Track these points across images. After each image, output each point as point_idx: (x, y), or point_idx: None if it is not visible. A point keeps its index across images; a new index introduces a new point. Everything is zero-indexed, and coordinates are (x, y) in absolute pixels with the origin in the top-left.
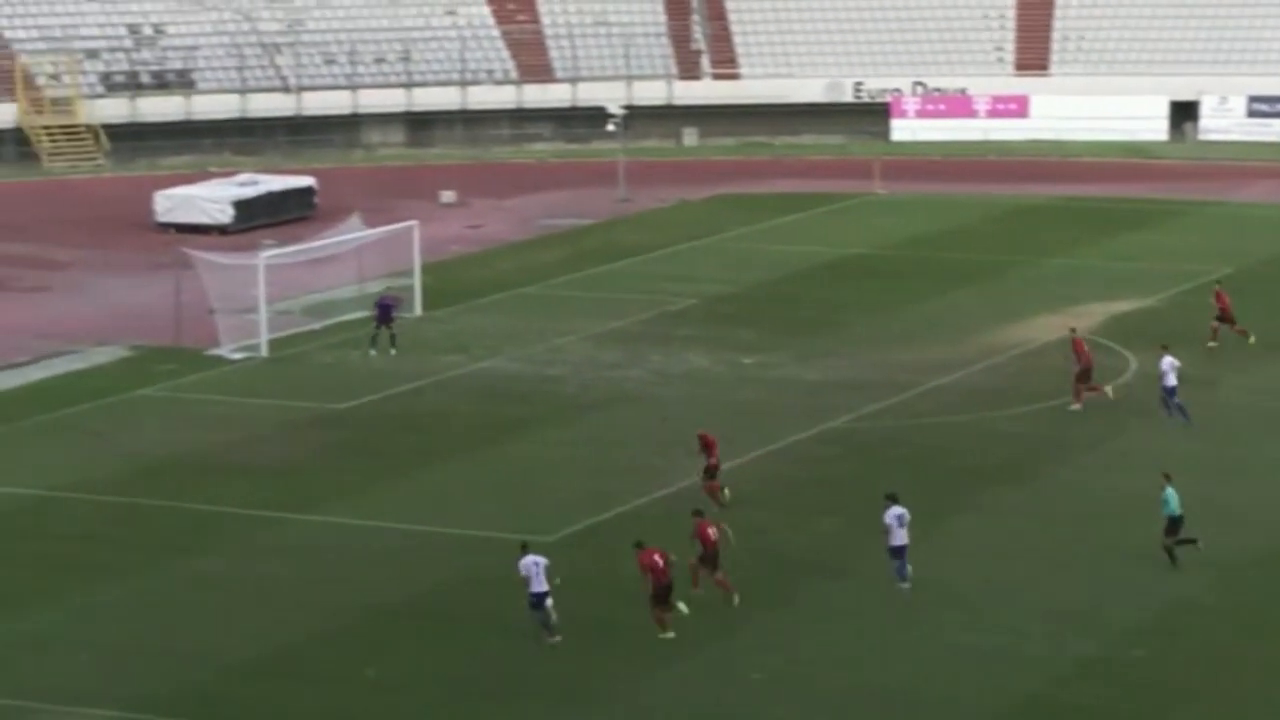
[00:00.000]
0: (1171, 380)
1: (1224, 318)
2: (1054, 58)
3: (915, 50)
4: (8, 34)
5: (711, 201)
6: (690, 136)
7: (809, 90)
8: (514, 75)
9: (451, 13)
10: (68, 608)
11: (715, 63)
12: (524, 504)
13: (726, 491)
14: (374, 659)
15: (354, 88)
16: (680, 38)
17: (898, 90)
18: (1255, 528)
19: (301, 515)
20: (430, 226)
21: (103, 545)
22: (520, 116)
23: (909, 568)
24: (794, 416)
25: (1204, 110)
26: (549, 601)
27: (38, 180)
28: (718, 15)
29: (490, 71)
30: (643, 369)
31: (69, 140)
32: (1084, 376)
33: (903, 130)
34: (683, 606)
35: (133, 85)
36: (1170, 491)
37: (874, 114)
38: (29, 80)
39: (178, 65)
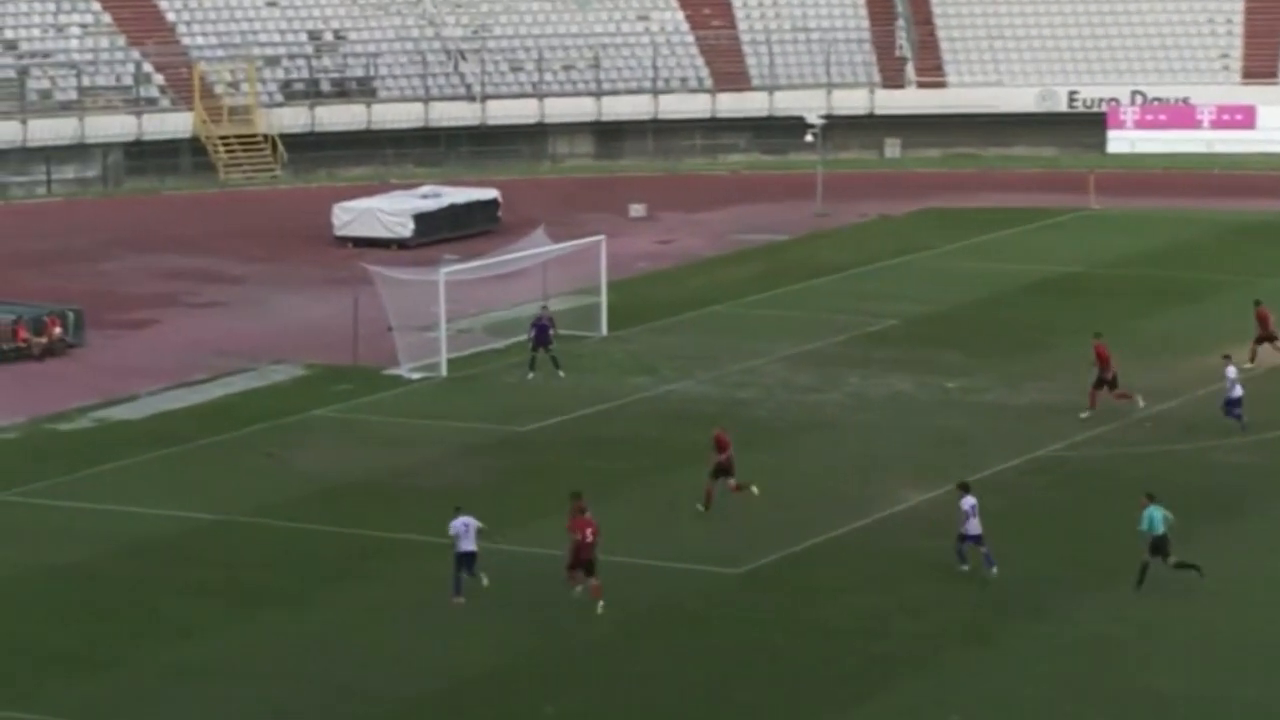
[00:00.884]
0: (1237, 391)
1: (1264, 337)
2: None
3: (1134, 57)
4: (185, 41)
5: (915, 216)
6: (893, 148)
7: (1020, 99)
8: (708, 83)
9: (644, 18)
10: (234, 636)
11: (920, 70)
12: (712, 533)
13: (755, 489)
14: (554, 696)
15: (541, 96)
16: (884, 44)
17: (1115, 100)
18: None
19: (480, 542)
20: (618, 241)
21: (273, 572)
22: (714, 126)
23: (992, 561)
24: (1000, 444)
25: None
26: (472, 570)
27: (213, 192)
28: (924, 20)
29: (683, 79)
30: (840, 393)
31: (246, 150)
32: (1101, 384)
33: (1120, 142)
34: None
35: (312, 93)
36: (1153, 510)
37: (1089, 124)
38: (206, 89)
39: (359, 72)
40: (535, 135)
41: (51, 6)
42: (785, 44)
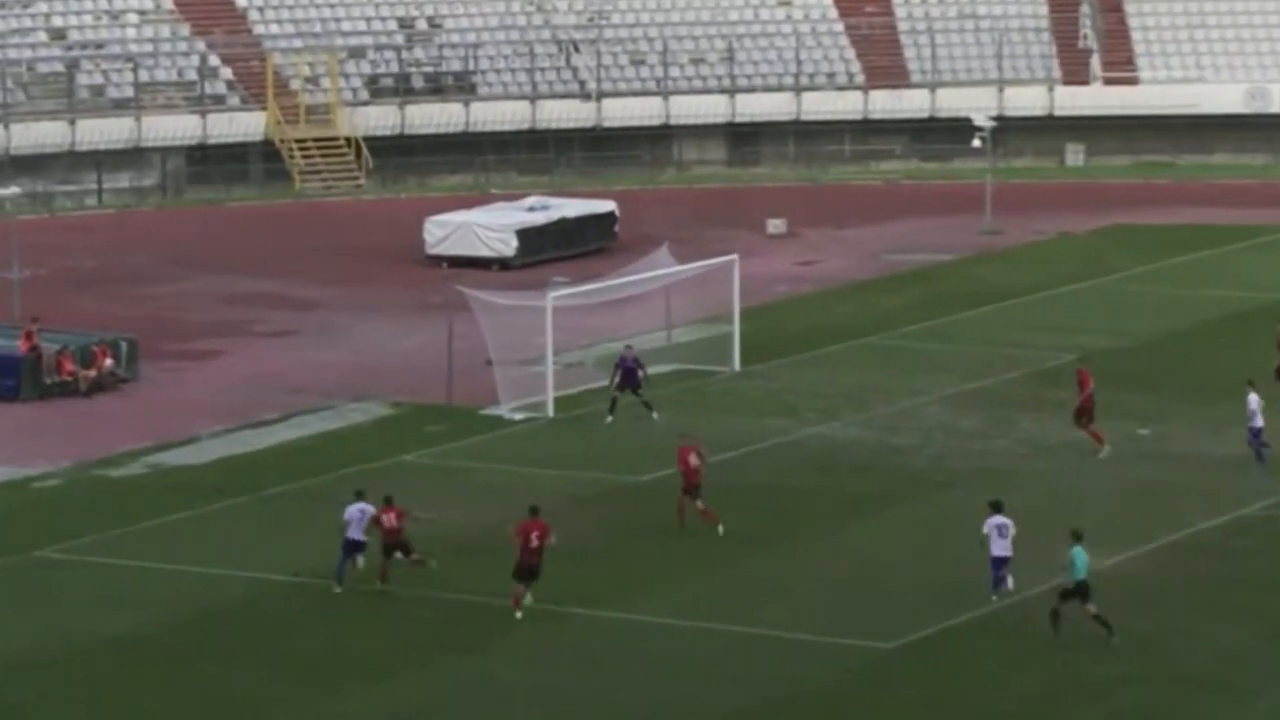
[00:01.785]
0: (1259, 420)
1: None
2: None
3: None
4: (258, 29)
5: (1099, 234)
6: (1075, 154)
7: (1224, 98)
8: (860, 79)
9: (785, 3)
10: (315, 718)
11: (1108, 64)
12: (860, 601)
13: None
14: None
15: (666, 94)
16: (1065, 34)
17: None
18: None
19: (591, 610)
20: (754, 261)
21: (357, 642)
22: (866, 129)
23: (1009, 581)
24: (1199, 500)
25: None
26: (360, 556)
27: (287, 203)
28: (1112, 7)
29: (830, 75)
30: (1010, 439)
31: (325, 156)
32: (1082, 414)
33: None
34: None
35: (402, 90)
36: (1079, 552)
37: None
38: (281, 85)
39: (456, 66)
40: (659, 139)
41: None
42: (950, 34)
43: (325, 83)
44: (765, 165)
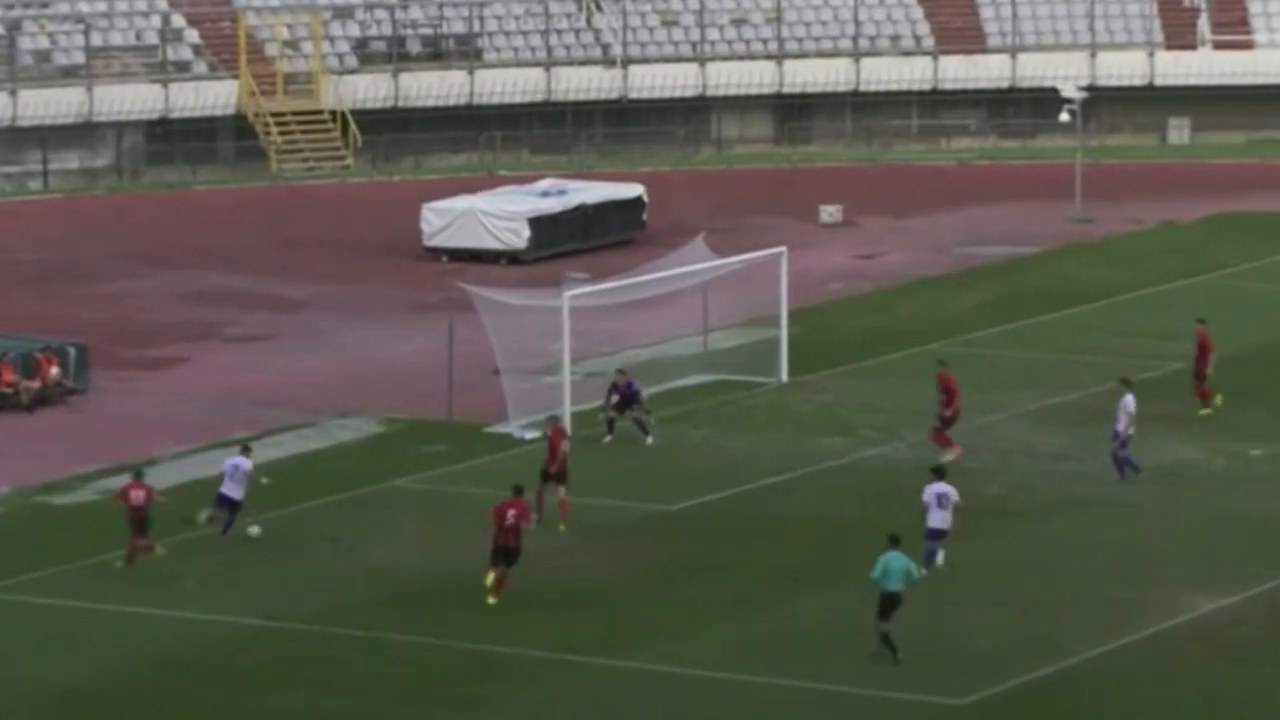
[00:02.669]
0: (1123, 424)
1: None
2: None
3: None
4: None
5: (1208, 224)
6: (1179, 130)
7: None
8: (928, 43)
9: None
10: None
11: (1218, 26)
12: (926, 651)
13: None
14: None
15: (702, 60)
16: None
17: None
18: None
19: (610, 659)
20: (804, 255)
21: (334, 698)
22: (935, 101)
23: (940, 555)
24: None
25: None
26: (227, 511)
27: (262, 187)
28: None
29: (894, 37)
30: (1100, 462)
31: (307, 132)
32: (947, 424)
33: None
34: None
35: (396, 56)
36: (893, 557)
37: None
38: (256, 49)
39: (458, 28)
40: (694, 112)
41: None
42: None
43: (307, 47)
44: (818, 143)
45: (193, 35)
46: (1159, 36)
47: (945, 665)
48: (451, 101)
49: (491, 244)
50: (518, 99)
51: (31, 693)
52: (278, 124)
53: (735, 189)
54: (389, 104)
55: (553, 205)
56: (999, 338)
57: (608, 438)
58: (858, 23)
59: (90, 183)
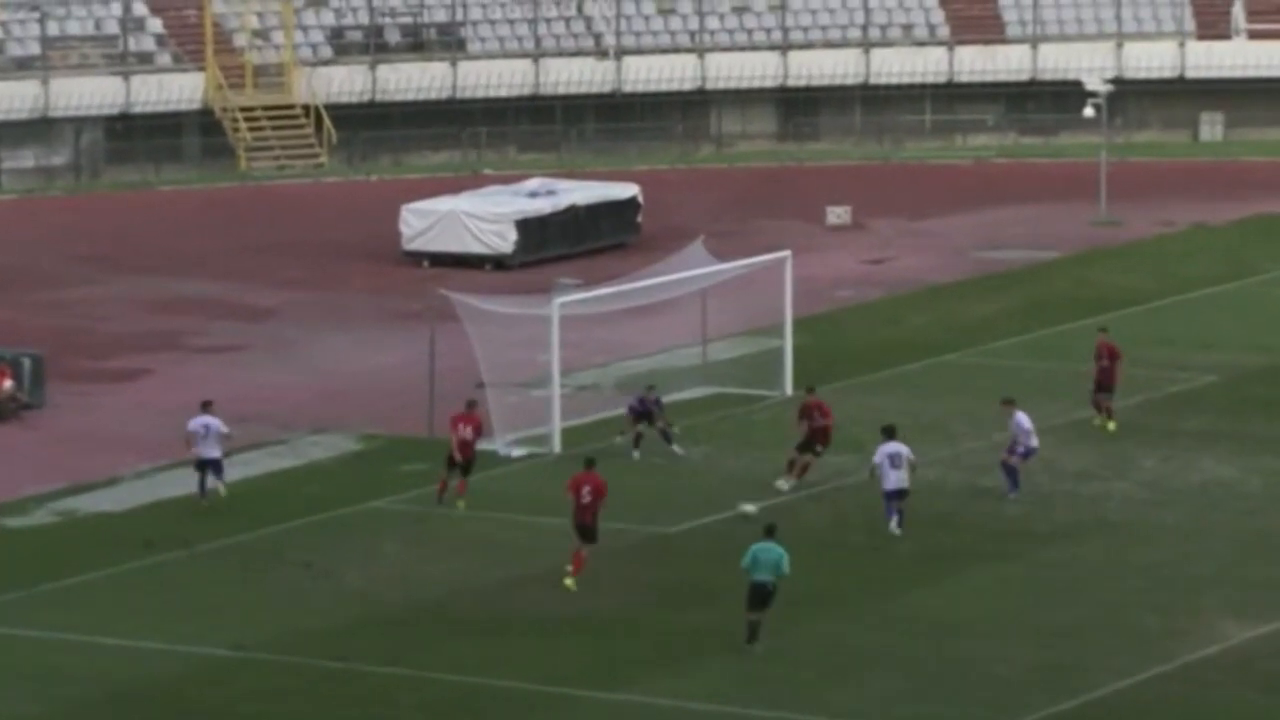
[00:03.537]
0: (1033, 441)
1: None
2: None
3: None
4: None
5: (1243, 226)
6: (1212, 126)
7: None
8: (943, 32)
9: None
10: None
11: (1253, 14)
12: (942, 682)
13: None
14: None
15: (701, 50)
16: None
17: None
18: None
19: (606, 692)
20: (810, 259)
21: None
22: (951, 95)
23: (896, 519)
24: None
25: None
26: (219, 476)
27: (231, 186)
28: None
29: (907, 26)
30: (1131, 480)
31: (278, 128)
32: (806, 447)
33: None
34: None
35: (373, 46)
36: (764, 548)
37: None
38: (223, 39)
39: (440, 17)
40: (693, 107)
41: None
42: None
43: (278, 37)
44: (825, 140)
45: (156, 24)
46: (1190, 25)
47: (960, 696)
48: (433, 95)
49: (476, 248)
50: (504, 92)
51: None
52: (247, 119)
53: (736, 189)
54: (366, 98)
55: (541, 206)
56: (1019, 348)
57: (635, 453)
58: (867, 11)
59: (47, 182)
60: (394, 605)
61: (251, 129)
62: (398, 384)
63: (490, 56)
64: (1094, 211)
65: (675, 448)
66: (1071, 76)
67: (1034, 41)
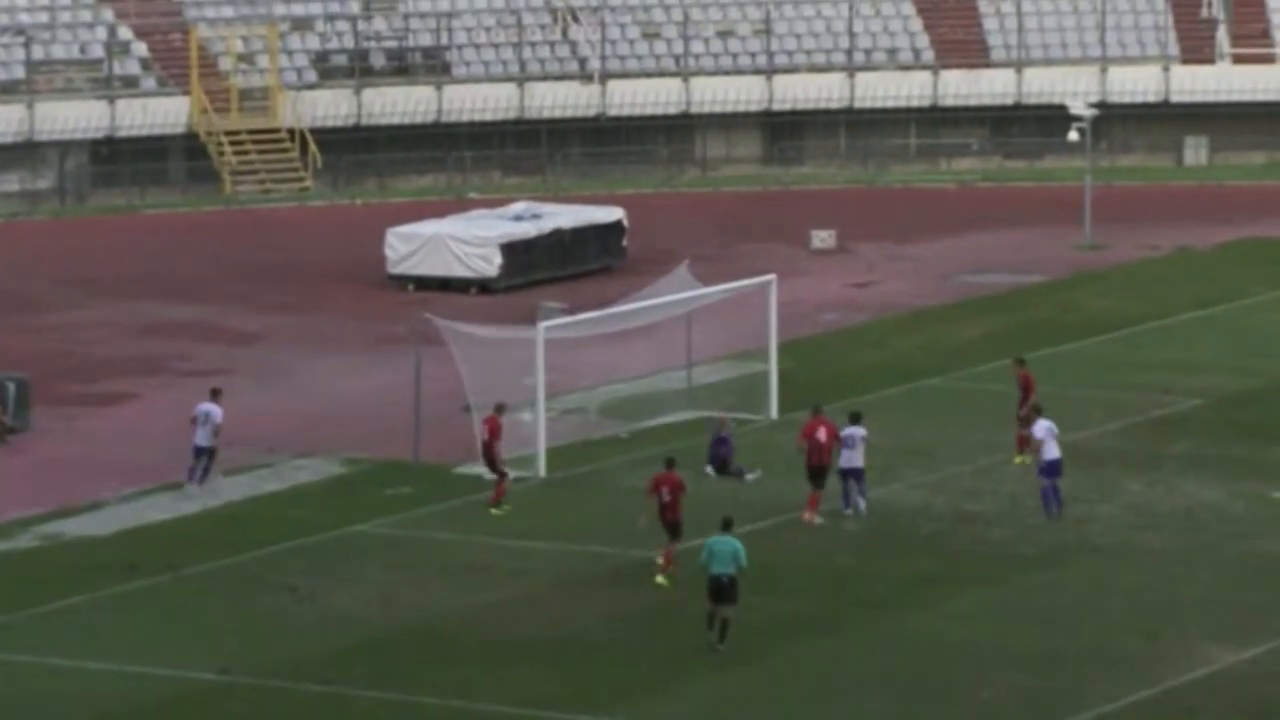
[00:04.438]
0: (1054, 452)
1: None
2: None
3: None
4: None
5: (1227, 250)
6: (1196, 150)
7: None
8: (927, 56)
9: None
10: None
11: (1238, 39)
12: (928, 708)
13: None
14: None
15: (686, 75)
16: (1185, 1)
17: None
18: None
19: (595, 717)
20: (795, 283)
21: None
22: (935, 119)
23: (863, 503)
24: None
25: None
26: (209, 464)
27: (215, 210)
28: None
29: (892, 51)
30: (1116, 504)
31: (263, 152)
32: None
33: None
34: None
35: (358, 70)
36: (719, 541)
37: None
38: (208, 64)
39: (425, 41)
40: (678, 130)
41: None
42: (1041, 1)
43: (263, 61)
44: (810, 163)
45: (141, 48)
46: (1174, 50)
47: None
48: (418, 119)
49: (461, 272)
50: (488, 116)
51: None
52: (232, 143)
53: (721, 213)
54: (351, 122)
55: (526, 230)
56: (1003, 372)
57: (708, 468)
58: (852, 35)
59: (31, 206)
60: (379, 629)
61: (236, 153)
62: (383, 408)
63: (475, 80)
64: (1078, 235)
65: (749, 476)
66: (1056, 100)
67: (1018, 65)
